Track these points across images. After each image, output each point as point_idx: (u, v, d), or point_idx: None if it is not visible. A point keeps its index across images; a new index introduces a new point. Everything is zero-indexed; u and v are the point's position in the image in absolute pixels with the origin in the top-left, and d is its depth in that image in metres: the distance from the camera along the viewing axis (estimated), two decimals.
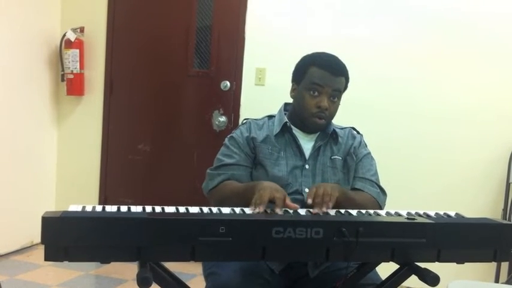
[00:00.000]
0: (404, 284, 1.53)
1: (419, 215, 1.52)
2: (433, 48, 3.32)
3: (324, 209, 1.52)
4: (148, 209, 1.40)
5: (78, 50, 3.79)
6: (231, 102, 3.65)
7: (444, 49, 3.31)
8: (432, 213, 1.56)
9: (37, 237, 3.57)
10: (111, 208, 1.38)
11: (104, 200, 3.93)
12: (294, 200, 1.66)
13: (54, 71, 3.91)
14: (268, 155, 1.83)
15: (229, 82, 3.64)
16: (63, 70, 3.85)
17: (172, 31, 3.78)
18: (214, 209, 1.47)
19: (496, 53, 3.24)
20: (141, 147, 3.88)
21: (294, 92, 1.88)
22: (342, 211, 1.57)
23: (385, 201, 1.89)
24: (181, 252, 1.28)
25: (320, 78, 1.79)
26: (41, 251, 1.23)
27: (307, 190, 1.79)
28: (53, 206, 3.97)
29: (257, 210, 1.48)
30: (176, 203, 1.47)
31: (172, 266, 1.46)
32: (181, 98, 3.84)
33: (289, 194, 1.64)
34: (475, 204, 3.27)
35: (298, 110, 1.85)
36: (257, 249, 1.31)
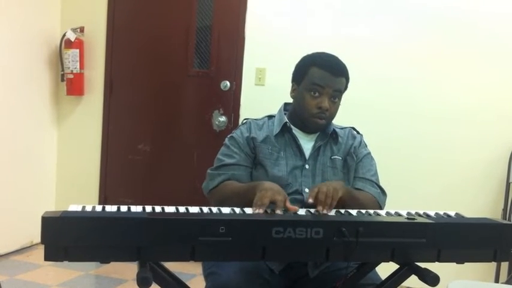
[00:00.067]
0: (404, 284, 1.53)
1: (419, 215, 1.52)
2: (433, 48, 3.32)
3: (325, 211, 1.52)
4: (148, 209, 1.40)
5: (78, 50, 3.79)
6: (231, 102, 3.65)
7: (444, 49, 3.31)
8: (432, 213, 1.56)
9: (37, 237, 3.58)
10: (111, 208, 1.38)
11: (103, 200, 3.94)
12: (294, 200, 1.66)
13: (54, 71, 3.91)
14: (268, 155, 1.83)
15: (229, 82, 3.64)
16: (63, 70, 3.85)
17: (172, 31, 3.78)
18: (214, 209, 1.47)
19: (496, 53, 3.24)
20: (141, 147, 3.88)
21: (294, 92, 1.88)
22: (342, 211, 1.57)
23: (385, 202, 1.89)
24: (181, 252, 1.28)
25: (321, 78, 1.78)
26: (40, 250, 1.23)
27: (307, 190, 1.79)
28: (52, 205, 3.97)
29: (257, 211, 1.48)
30: (176, 203, 1.47)
31: (172, 266, 1.46)
32: (181, 98, 3.84)
33: (289, 194, 1.65)
34: (475, 204, 3.27)
35: (298, 110, 1.85)
36: (257, 249, 1.31)
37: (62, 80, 3.88)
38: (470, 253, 1.45)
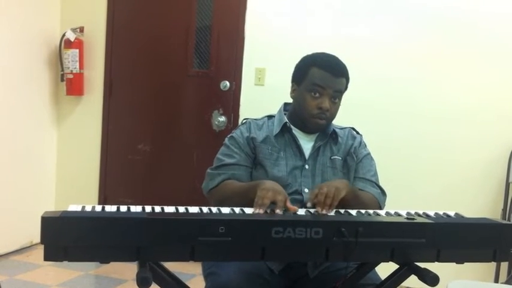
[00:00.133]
0: (404, 284, 1.53)
1: (419, 215, 1.52)
2: (433, 48, 3.32)
3: (324, 212, 1.52)
4: (148, 209, 1.40)
5: (77, 50, 3.79)
6: (231, 102, 3.65)
7: (444, 49, 3.31)
8: (432, 213, 1.56)
9: (37, 237, 3.58)
10: (110, 208, 1.38)
11: (103, 200, 3.93)
12: (293, 200, 1.66)
13: (53, 71, 3.91)
14: (268, 155, 1.83)
15: (229, 82, 3.64)
16: (62, 70, 3.85)
17: (172, 31, 3.78)
18: (214, 209, 1.47)
19: (496, 53, 3.24)
20: (141, 147, 3.88)
21: (294, 93, 1.88)
22: (342, 211, 1.57)
23: (385, 202, 1.89)
24: (180, 252, 1.28)
25: (321, 79, 1.78)
26: (40, 251, 1.23)
27: (306, 190, 1.79)
28: (52, 206, 3.97)
29: (257, 211, 1.49)
30: (176, 203, 1.47)
31: (172, 266, 1.46)
32: (181, 98, 3.84)
33: (288, 194, 1.64)
34: (475, 204, 3.27)
35: (298, 110, 1.85)
36: (257, 249, 1.31)
37: (62, 80, 3.88)
38: (470, 253, 1.45)
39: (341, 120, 1.93)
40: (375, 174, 1.91)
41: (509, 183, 3.23)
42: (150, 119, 3.88)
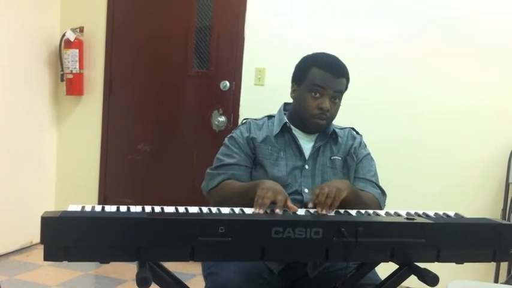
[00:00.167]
0: (404, 284, 1.53)
1: (419, 215, 1.52)
2: (433, 48, 3.32)
3: (324, 212, 1.51)
4: (148, 209, 1.40)
5: (77, 50, 3.79)
6: (231, 102, 3.65)
7: (444, 49, 3.31)
8: (431, 213, 1.56)
9: (36, 237, 3.58)
10: (110, 208, 1.38)
11: (103, 200, 3.93)
12: (293, 200, 1.65)
13: (53, 71, 3.91)
14: (268, 156, 1.83)
15: (229, 82, 3.64)
16: (62, 70, 3.85)
17: (172, 31, 3.78)
18: (214, 209, 1.47)
19: (496, 53, 3.24)
20: (141, 147, 3.88)
21: (294, 93, 1.88)
22: (342, 211, 1.57)
23: (385, 202, 1.89)
24: (180, 252, 1.28)
25: (321, 79, 1.78)
26: (40, 251, 1.23)
27: (306, 190, 1.79)
28: (52, 206, 3.97)
29: (257, 211, 1.49)
30: (176, 203, 1.47)
31: (172, 266, 1.46)
32: (180, 98, 3.84)
33: (288, 195, 1.64)
34: (475, 204, 3.27)
35: (299, 110, 1.85)
36: (256, 249, 1.31)
37: (62, 80, 3.88)
38: (470, 253, 1.45)
39: (341, 120, 1.94)
40: (375, 174, 1.91)
41: (509, 183, 3.23)
42: (150, 119, 3.88)
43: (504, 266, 3.17)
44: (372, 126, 3.03)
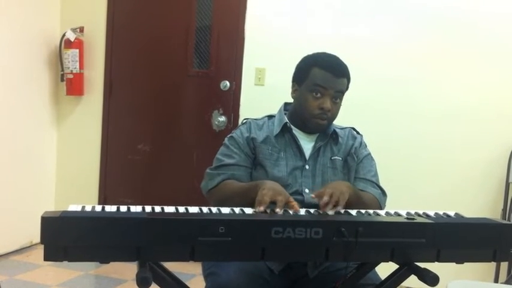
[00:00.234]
0: (404, 284, 1.53)
1: (419, 215, 1.52)
2: (433, 48, 3.32)
3: (329, 211, 1.51)
4: (148, 209, 1.40)
5: (77, 50, 3.79)
6: (231, 102, 3.65)
7: (444, 49, 3.31)
8: (432, 213, 1.56)
9: (36, 237, 3.58)
10: (110, 208, 1.37)
11: (103, 200, 3.93)
12: (294, 200, 1.65)
13: (53, 71, 3.91)
14: (268, 156, 1.83)
15: (229, 82, 3.64)
16: (62, 70, 3.85)
17: (172, 31, 3.78)
18: (214, 209, 1.47)
19: (496, 53, 3.24)
20: (141, 147, 3.88)
21: (295, 93, 1.88)
22: (342, 211, 1.57)
23: (385, 202, 1.89)
24: (180, 252, 1.28)
25: (323, 79, 1.78)
26: (40, 251, 1.23)
27: (307, 191, 1.79)
28: (52, 205, 3.97)
29: (257, 209, 1.49)
30: (176, 203, 1.47)
31: (172, 266, 1.46)
32: (181, 98, 3.84)
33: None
34: (475, 204, 3.27)
35: (299, 110, 1.85)
36: (256, 249, 1.31)
37: (62, 80, 3.88)
38: (470, 253, 1.44)
39: (341, 120, 1.93)
40: (376, 174, 1.91)
41: (509, 183, 3.23)
42: (150, 119, 3.88)
43: (504, 266, 3.17)
44: (372, 126, 3.03)
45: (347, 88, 1.85)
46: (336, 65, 1.81)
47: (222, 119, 3.66)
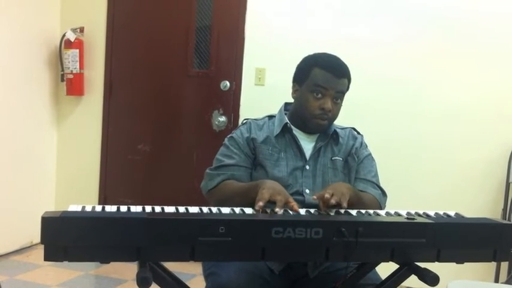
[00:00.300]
0: (404, 284, 1.53)
1: (419, 215, 1.52)
2: (433, 48, 3.32)
3: (332, 202, 1.50)
4: (148, 209, 1.40)
5: (77, 50, 3.79)
6: (231, 102, 3.65)
7: (444, 49, 3.31)
8: (432, 213, 1.56)
9: (37, 237, 3.58)
10: (110, 208, 1.37)
11: (103, 200, 3.93)
12: (295, 201, 1.65)
13: (53, 71, 3.92)
14: (268, 156, 1.83)
15: (229, 82, 3.64)
16: (62, 70, 3.85)
17: (172, 31, 3.78)
18: (214, 209, 1.47)
19: (496, 53, 3.24)
20: (141, 147, 3.88)
21: (296, 93, 1.88)
22: (342, 211, 1.57)
23: (385, 203, 1.89)
24: (181, 252, 1.28)
25: (323, 80, 1.78)
26: (40, 251, 1.23)
27: (307, 191, 1.79)
28: (52, 206, 3.97)
29: (257, 207, 1.49)
30: (176, 203, 1.47)
31: (172, 266, 1.46)
32: (181, 98, 3.84)
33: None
34: (475, 204, 3.27)
35: (300, 111, 1.85)
36: (257, 249, 1.31)
37: (62, 80, 3.88)
38: (470, 253, 1.44)
39: (341, 120, 1.93)
40: (376, 175, 1.91)
41: (509, 183, 3.23)
42: (150, 119, 3.88)
43: (504, 265, 3.17)
44: (372, 126, 3.03)
45: (348, 88, 1.85)
46: (336, 66, 1.81)
47: (222, 119, 3.66)
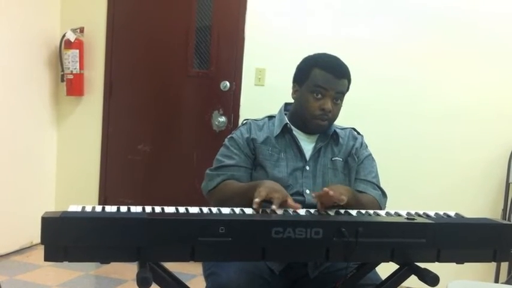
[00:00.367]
0: (404, 284, 1.53)
1: (419, 215, 1.52)
2: (433, 48, 3.32)
3: (333, 194, 1.49)
4: (148, 209, 1.40)
5: (77, 51, 3.79)
6: (231, 103, 3.65)
7: (444, 49, 3.31)
8: (432, 214, 1.56)
9: (37, 238, 3.58)
10: (110, 208, 1.37)
11: (103, 200, 3.93)
12: (295, 201, 1.65)
13: (53, 71, 3.92)
14: (268, 156, 1.83)
15: (229, 82, 3.64)
16: (62, 70, 3.85)
17: (172, 31, 3.78)
18: (214, 209, 1.47)
19: (496, 53, 3.24)
20: (141, 147, 3.88)
21: (296, 94, 1.88)
22: (342, 211, 1.57)
23: (385, 203, 1.89)
24: (181, 253, 1.28)
25: (323, 80, 1.78)
26: (40, 251, 1.23)
27: (308, 191, 1.79)
28: (52, 206, 3.97)
29: (254, 205, 1.48)
30: (176, 203, 1.47)
31: (172, 266, 1.46)
32: (181, 99, 3.84)
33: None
34: (475, 205, 3.27)
35: (300, 111, 1.85)
36: (257, 249, 1.31)
37: (62, 81, 3.88)
38: (470, 253, 1.44)
39: (341, 120, 1.93)
40: (376, 175, 1.91)
41: (509, 183, 3.23)
42: (150, 119, 3.88)
43: (504, 266, 3.17)
44: (372, 127, 3.03)
45: (348, 89, 1.85)
46: (336, 66, 1.81)
47: (222, 119, 3.66)
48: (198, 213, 1.42)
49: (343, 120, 1.97)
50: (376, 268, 1.68)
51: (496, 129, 3.26)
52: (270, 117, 1.94)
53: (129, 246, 1.24)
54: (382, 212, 1.62)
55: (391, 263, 1.44)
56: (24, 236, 3.72)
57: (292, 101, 1.92)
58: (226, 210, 1.48)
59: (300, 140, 1.86)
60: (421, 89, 3.34)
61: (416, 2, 3.33)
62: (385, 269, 1.58)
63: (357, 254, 1.34)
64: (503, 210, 3.22)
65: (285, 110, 1.95)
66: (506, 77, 3.25)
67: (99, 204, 3.55)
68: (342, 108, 1.86)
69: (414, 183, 3.36)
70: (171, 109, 3.84)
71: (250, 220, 1.37)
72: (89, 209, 1.35)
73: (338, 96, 1.81)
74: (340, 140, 1.90)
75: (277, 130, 1.86)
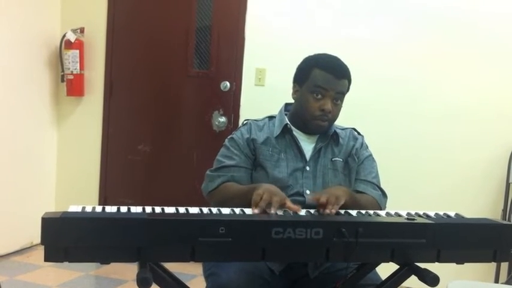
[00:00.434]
0: (404, 284, 1.53)
1: (419, 216, 1.52)
2: (433, 48, 3.32)
3: (327, 211, 1.51)
4: (148, 209, 1.40)
5: (78, 51, 3.79)
6: (231, 103, 3.65)
7: (444, 49, 3.31)
8: (432, 214, 1.56)
9: (37, 238, 3.58)
10: (111, 209, 1.37)
11: (103, 201, 3.93)
12: (295, 202, 1.65)
13: (54, 71, 3.92)
14: (268, 157, 1.83)
15: (229, 83, 3.64)
16: (63, 71, 3.85)
17: (172, 32, 3.78)
18: (214, 210, 1.47)
19: (496, 53, 3.24)
20: (141, 147, 3.88)
21: (296, 94, 1.88)
22: (342, 211, 1.57)
23: (385, 204, 1.89)
24: (181, 253, 1.28)
25: (324, 81, 1.78)
26: (40, 251, 1.23)
27: (308, 192, 1.79)
28: (52, 206, 3.97)
29: (254, 212, 1.48)
30: (176, 204, 1.46)
31: (172, 267, 1.46)
32: (181, 99, 3.84)
33: (289, 196, 1.65)
34: (475, 205, 3.27)
35: (300, 111, 1.85)
36: (257, 249, 1.31)
37: (62, 81, 3.88)
38: (470, 253, 1.45)
39: (341, 120, 1.93)
40: (376, 176, 1.91)
41: (509, 184, 3.23)
42: (150, 119, 3.88)
43: (504, 266, 3.17)
44: (372, 127, 3.02)
45: (348, 89, 1.85)
46: (336, 66, 1.81)
47: (222, 119, 3.66)
48: (198, 214, 1.42)
49: (343, 121, 1.97)
50: (376, 268, 1.69)
51: (496, 129, 3.26)
52: (270, 117, 1.94)
53: (130, 246, 1.24)
54: (382, 212, 1.62)
55: (391, 263, 1.44)
56: (25, 236, 3.72)
57: (292, 101, 1.92)
58: (226, 211, 1.48)
59: (300, 141, 1.86)
60: (421, 89, 3.34)
61: (416, 2, 3.33)
62: (385, 269, 1.58)
63: (357, 254, 1.34)
64: (503, 210, 3.22)
65: (285, 110, 1.95)
66: (506, 77, 3.25)
67: (99, 204, 3.56)
68: (342, 108, 1.86)
69: (414, 183, 3.36)
70: (171, 109, 3.84)
71: (250, 220, 1.37)
72: (89, 209, 1.35)
73: (338, 97, 1.81)
74: (341, 140, 1.90)
75: (277, 130, 1.86)
